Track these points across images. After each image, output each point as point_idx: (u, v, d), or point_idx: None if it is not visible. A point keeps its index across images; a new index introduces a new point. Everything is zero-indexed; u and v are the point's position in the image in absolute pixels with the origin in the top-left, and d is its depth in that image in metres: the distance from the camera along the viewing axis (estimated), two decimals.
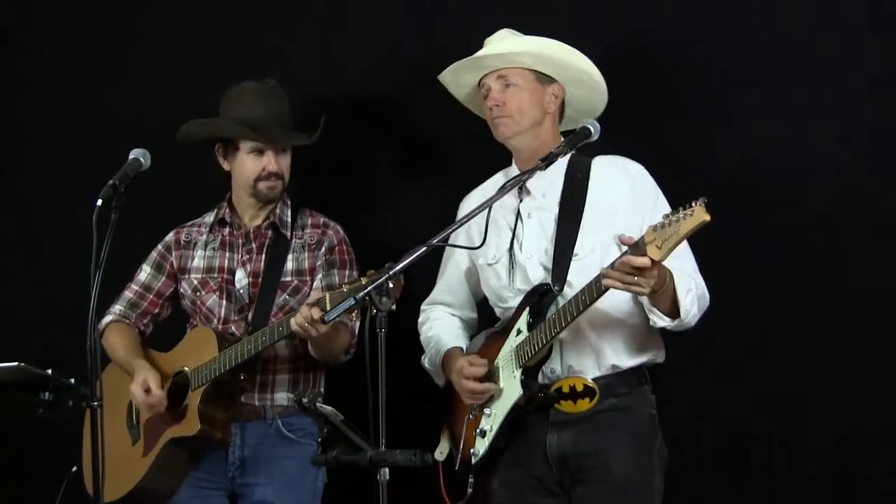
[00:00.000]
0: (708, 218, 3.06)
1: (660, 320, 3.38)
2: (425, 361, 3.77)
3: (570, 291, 3.44)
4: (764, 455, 3.94)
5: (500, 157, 3.98)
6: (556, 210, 3.56)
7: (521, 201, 3.61)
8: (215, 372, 3.75)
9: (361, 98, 4.35)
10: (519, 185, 3.49)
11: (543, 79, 3.60)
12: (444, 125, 4.24)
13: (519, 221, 3.60)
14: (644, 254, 3.16)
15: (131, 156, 3.54)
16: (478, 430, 3.55)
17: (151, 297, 4.04)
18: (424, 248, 3.20)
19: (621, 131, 3.66)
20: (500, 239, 3.62)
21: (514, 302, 3.57)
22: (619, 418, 3.47)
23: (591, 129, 3.46)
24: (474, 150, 4.17)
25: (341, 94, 4.34)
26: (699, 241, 3.33)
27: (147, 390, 3.82)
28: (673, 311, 3.35)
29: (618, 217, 3.49)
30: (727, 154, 3.97)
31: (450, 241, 3.52)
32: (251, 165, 3.91)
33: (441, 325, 3.79)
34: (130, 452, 3.89)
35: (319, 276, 3.91)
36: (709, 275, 3.48)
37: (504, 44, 3.63)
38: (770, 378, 3.94)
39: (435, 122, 4.27)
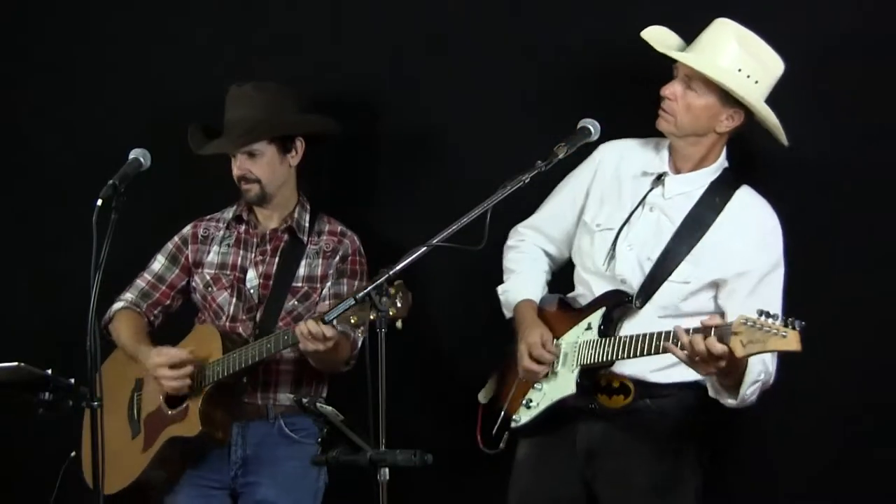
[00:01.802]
0: (797, 349, 2.92)
1: (720, 399, 3.27)
2: (499, 291, 3.69)
3: (650, 309, 3.37)
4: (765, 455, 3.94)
5: (500, 157, 3.98)
6: (677, 221, 3.41)
7: (651, 189, 3.47)
8: (218, 375, 3.74)
9: (362, 98, 4.34)
10: (519, 185, 3.26)
11: (728, 99, 3.36)
12: (445, 125, 4.24)
13: (640, 207, 3.46)
14: (726, 342, 3.02)
15: (131, 156, 3.55)
16: (524, 400, 3.54)
17: (164, 288, 4.02)
18: (424, 248, 3.19)
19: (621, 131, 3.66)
20: (617, 211, 3.49)
21: (597, 287, 3.47)
22: (651, 421, 3.40)
23: (591, 129, 3.40)
24: (475, 150, 4.18)
25: (342, 93, 4.33)
26: None
27: (173, 366, 3.77)
28: (735, 392, 3.22)
29: (730, 266, 3.33)
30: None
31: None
32: (233, 170, 3.93)
33: (527, 263, 3.67)
34: (130, 446, 3.89)
35: (329, 283, 3.89)
36: None
37: (704, 55, 3.37)
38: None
39: (435, 121, 4.26)
